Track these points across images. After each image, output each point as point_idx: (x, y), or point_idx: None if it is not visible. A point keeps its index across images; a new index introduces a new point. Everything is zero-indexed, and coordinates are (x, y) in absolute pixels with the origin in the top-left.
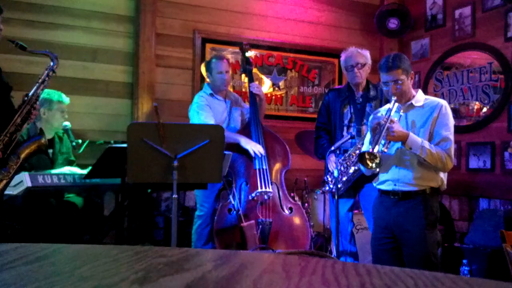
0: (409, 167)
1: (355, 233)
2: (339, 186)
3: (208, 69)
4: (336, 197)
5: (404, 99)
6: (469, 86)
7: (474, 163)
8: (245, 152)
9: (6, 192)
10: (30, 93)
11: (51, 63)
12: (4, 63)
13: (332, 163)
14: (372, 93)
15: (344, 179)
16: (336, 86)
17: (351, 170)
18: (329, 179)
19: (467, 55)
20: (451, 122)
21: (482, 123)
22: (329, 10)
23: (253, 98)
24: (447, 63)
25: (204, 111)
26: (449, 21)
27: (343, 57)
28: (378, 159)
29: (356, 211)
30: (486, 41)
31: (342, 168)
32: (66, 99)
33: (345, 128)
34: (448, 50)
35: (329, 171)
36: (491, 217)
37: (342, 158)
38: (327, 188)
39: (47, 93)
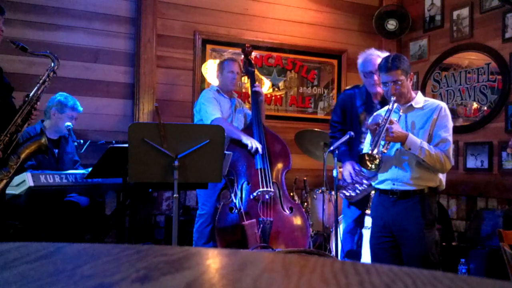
0: (408, 167)
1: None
2: (353, 194)
3: (220, 68)
4: (334, 195)
5: (404, 100)
6: (467, 86)
7: (471, 163)
8: (247, 151)
9: (9, 191)
10: (31, 94)
11: (52, 64)
12: (6, 64)
13: (346, 171)
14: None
15: (359, 188)
16: (351, 87)
17: (365, 181)
18: (342, 185)
19: (465, 56)
20: (450, 123)
21: (480, 123)
22: (328, 11)
23: (255, 98)
24: (445, 64)
25: (211, 103)
26: (447, 22)
27: (360, 60)
28: (378, 160)
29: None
30: (484, 42)
31: (357, 179)
32: (79, 108)
33: (364, 136)
34: (446, 51)
35: (343, 178)
36: (489, 217)
37: (358, 169)
38: (342, 195)
39: (64, 96)
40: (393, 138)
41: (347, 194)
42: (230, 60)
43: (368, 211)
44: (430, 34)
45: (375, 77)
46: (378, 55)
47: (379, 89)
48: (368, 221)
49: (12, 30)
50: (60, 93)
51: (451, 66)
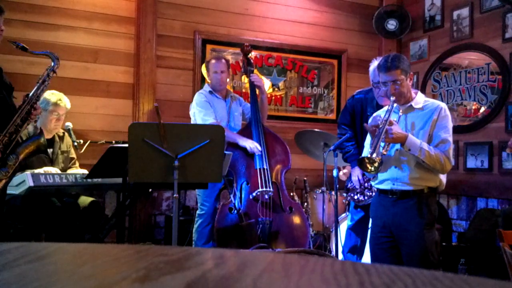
0: (408, 167)
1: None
2: (361, 198)
3: (207, 68)
4: (334, 195)
5: (403, 100)
6: (467, 86)
7: (471, 163)
8: (246, 151)
9: (9, 191)
10: (30, 94)
11: (52, 63)
12: (6, 63)
13: (355, 176)
14: None
15: (368, 194)
16: (359, 94)
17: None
18: (350, 188)
19: (465, 56)
20: (450, 124)
21: (480, 123)
22: (328, 11)
23: (255, 95)
24: (445, 64)
25: (204, 108)
26: (447, 22)
27: (371, 68)
28: (377, 163)
29: None
30: (484, 42)
31: (366, 185)
32: (64, 104)
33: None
34: (446, 51)
35: (351, 181)
36: (489, 217)
37: (366, 178)
38: (349, 197)
39: (51, 92)
40: (393, 139)
41: (355, 198)
42: (215, 60)
43: None
44: (430, 34)
45: (384, 88)
46: None
47: (387, 102)
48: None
49: (12, 30)
50: (48, 91)
51: (451, 66)
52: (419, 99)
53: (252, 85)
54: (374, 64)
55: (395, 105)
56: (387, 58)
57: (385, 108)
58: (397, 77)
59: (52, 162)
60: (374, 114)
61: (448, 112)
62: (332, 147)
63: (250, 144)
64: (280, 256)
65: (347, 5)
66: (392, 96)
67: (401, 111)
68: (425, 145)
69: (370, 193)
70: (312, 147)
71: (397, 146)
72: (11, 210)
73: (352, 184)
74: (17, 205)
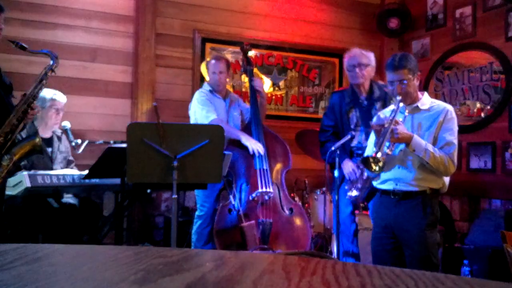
0: (411, 168)
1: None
2: (357, 193)
3: (207, 68)
4: (336, 196)
5: (409, 100)
6: (469, 86)
7: (475, 163)
8: (246, 151)
9: (6, 192)
10: (28, 93)
11: (51, 62)
12: (3, 63)
13: (349, 168)
14: (376, 93)
15: (359, 186)
16: (340, 89)
17: (365, 176)
18: (346, 187)
19: (467, 54)
20: (456, 127)
21: (483, 123)
22: (329, 9)
23: (254, 95)
24: (447, 63)
25: (206, 106)
26: (450, 21)
27: (346, 57)
28: (382, 162)
29: (356, 211)
30: (486, 41)
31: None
32: (60, 97)
33: (351, 133)
34: (448, 50)
35: (346, 181)
36: (492, 218)
37: (356, 164)
38: (349, 197)
39: (45, 90)
40: (398, 139)
41: (353, 195)
42: (215, 60)
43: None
44: (432, 32)
45: (357, 70)
46: (362, 52)
47: (360, 80)
48: (366, 221)
49: (10, 29)
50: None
51: (453, 65)
52: (426, 100)
53: (252, 88)
54: (347, 54)
55: (401, 104)
56: (395, 57)
57: (391, 107)
58: (404, 77)
59: (52, 162)
60: (378, 113)
61: (454, 115)
62: (332, 148)
63: (253, 145)
64: (280, 258)
65: (348, 3)
66: (399, 95)
67: (407, 111)
68: (430, 147)
69: (361, 185)
70: (313, 147)
71: (402, 146)
72: (9, 211)
73: (350, 183)
74: (15, 206)
